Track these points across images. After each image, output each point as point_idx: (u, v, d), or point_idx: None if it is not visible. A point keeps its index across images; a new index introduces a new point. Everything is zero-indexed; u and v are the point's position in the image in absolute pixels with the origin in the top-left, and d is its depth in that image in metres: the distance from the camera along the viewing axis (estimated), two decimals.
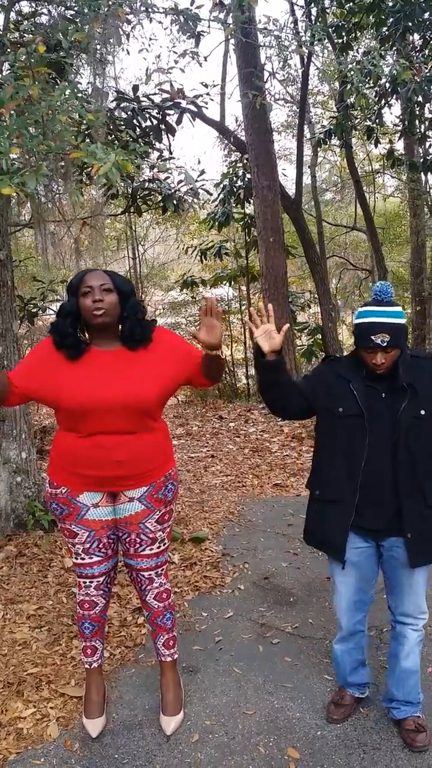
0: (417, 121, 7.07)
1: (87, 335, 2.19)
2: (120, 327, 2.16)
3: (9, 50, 3.47)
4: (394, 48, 6.13)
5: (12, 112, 2.68)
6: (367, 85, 5.66)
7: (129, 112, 5.12)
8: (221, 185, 9.49)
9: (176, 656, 2.45)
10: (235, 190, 9.37)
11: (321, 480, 2.19)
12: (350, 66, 4.57)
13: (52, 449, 2.24)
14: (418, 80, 5.67)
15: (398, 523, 2.05)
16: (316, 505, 2.22)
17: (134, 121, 5.11)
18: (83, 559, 2.27)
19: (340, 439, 2.11)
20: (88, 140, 3.79)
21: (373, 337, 1.98)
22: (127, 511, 2.22)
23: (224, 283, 10.88)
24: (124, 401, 2.06)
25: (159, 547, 2.29)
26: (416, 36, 6.65)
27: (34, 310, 6.22)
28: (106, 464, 2.11)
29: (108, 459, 2.10)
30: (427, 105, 7.05)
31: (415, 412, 2.02)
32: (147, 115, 5.27)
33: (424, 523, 2.05)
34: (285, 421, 7.20)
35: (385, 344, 1.98)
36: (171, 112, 5.38)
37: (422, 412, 2.02)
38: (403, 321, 2.02)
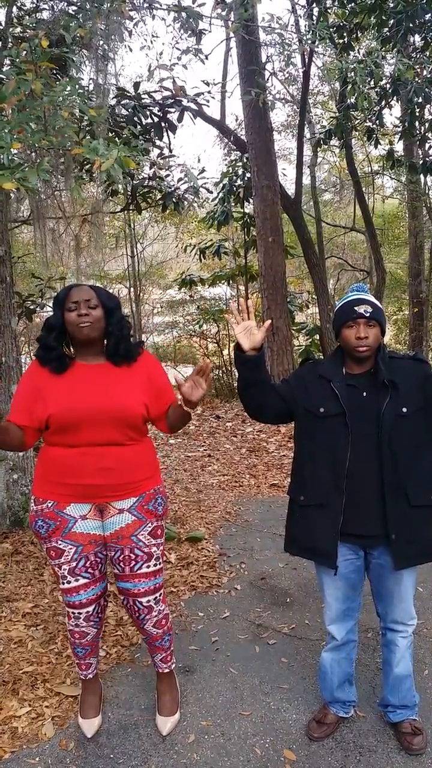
0: (417, 123, 7.07)
1: (72, 350, 2.20)
2: (105, 342, 2.16)
3: (11, 45, 3.45)
4: (396, 49, 6.13)
5: (14, 107, 2.67)
6: (368, 86, 5.65)
7: (130, 109, 5.10)
8: (221, 184, 9.47)
9: (173, 667, 2.42)
10: (234, 189, 9.35)
11: (304, 485, 2.13)
12: (353, 65, 4.55)
13: (36, 466, 2.21)
14: (419, 81, 5.67)
15: (384, 526, 2.02)
16: (300, 512, 2.14)
17: (135, 118, 5.09)
18: (69, 582, 2.17)
19: (322, 441, 2.07)
20: (89, 136, 3.77)
21: (356, 308, 2.02)
22: (117, 524, 2.15)
23: (223, 282, 10.87)
24: (111, 413, 2.05)
25: (156, 565, 2.21)
26: (417, 37, 6.65)
27: (33, 306, 6.19)
28: (93, 471, 2.09)
29: (95, 466, 2.08)
30: (428, 106, 7.05)
31: (397, 409, 2.00)
32: (148, 113, 5.25)
33: (408, 524, 2.01)
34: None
35: (368, 314, 2.00)
36: (172, 109, 5.36)
37: (404, 410, 2.00)
38: (382, 308, 2.09)
